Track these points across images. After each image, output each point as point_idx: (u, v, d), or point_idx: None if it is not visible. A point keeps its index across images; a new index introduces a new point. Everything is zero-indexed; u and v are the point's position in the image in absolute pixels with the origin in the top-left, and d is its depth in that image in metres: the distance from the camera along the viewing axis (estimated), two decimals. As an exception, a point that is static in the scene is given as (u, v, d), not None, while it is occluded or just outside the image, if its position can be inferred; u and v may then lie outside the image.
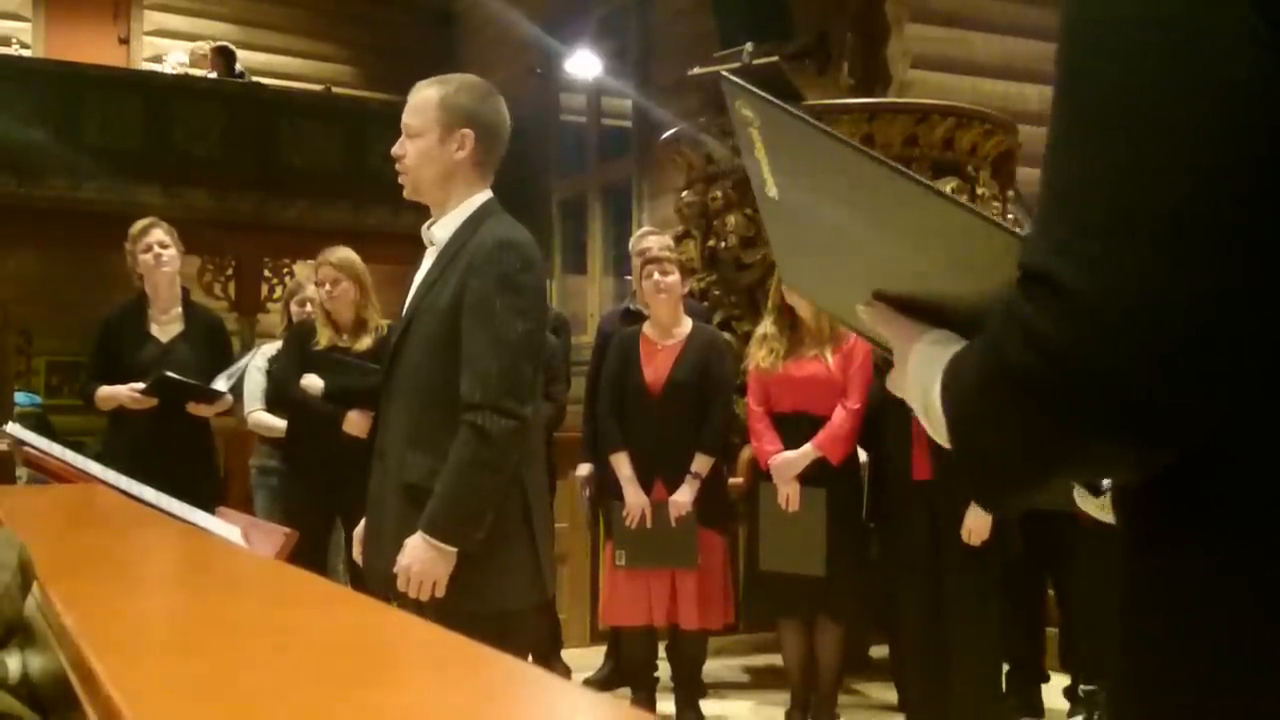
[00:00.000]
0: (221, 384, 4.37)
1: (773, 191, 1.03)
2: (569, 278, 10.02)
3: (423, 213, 2.62)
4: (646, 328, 4.36)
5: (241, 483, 5.22)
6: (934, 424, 0.89)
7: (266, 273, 9.49)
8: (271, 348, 4.96)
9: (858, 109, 5.40)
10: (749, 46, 5.52)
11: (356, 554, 2.72)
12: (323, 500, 4.36)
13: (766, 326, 4.18)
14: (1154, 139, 0.69)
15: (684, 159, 5.88)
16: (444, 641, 0.84)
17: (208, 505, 2.62)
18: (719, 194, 5.45)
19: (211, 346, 4.52)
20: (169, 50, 10.50)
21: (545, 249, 3.86)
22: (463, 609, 2.33)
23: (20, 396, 9.65)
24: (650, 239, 4.84)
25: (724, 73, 1.06)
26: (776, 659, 4.49)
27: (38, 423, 7.98)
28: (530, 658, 4.04)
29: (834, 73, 6.58)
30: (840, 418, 4.02)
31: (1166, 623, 0.78)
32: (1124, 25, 0.72)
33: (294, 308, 5.11)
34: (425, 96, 2.50)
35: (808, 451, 4.03)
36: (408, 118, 2.50)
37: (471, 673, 0.77)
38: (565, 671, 4.74)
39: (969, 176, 5.33)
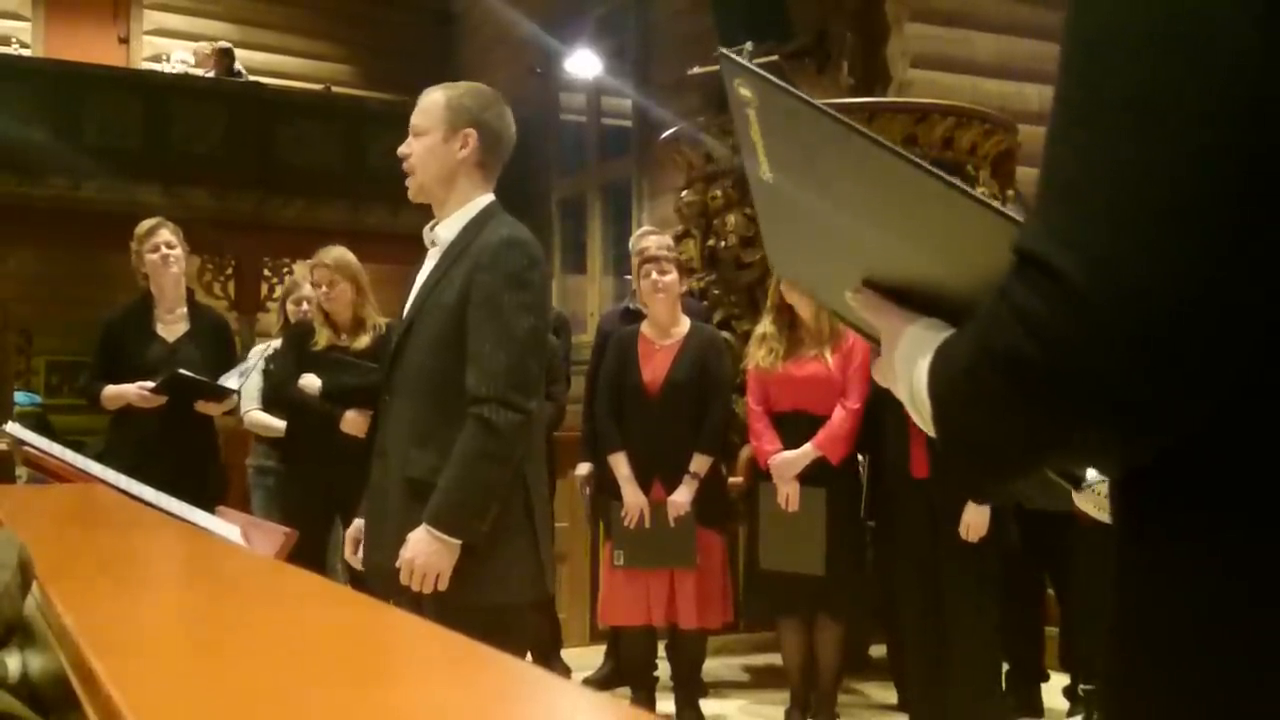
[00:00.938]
0: (233, 381, 4.37)
1: (766, 174, 1.02)
2: (569, 277, 10.01)
3: (422, 212, 2.64)
4: (645, 327, 4.36)
5: (238, 482, 5.21)
6: (919, 409, 0.88)
7: (266, 272, 9.51)
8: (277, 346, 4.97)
9: (857, 108, 5.39)
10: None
11: (348, 554, 2.72)
12: (320, 500, 4.35)
13: (766, 326, 4.18)
14: (1158, 131, 0.69)
15: (684, 158, 5.88)
16: (444, 641, 0.84)
17: (213, 503, 2.62)
18: (719, 193, 5.45)
19: (217, 346, 4.51)
20: (169, 50, 10.50)
21: (545, 248, 3.85)
22: (462, 602, 2.34)
23: (20, 396, 9.66)
24: (650, 238, 4.84)
25: (723, 51, 1.06)
26: (776, 658, 4.48)
27: (37, 422, 7.98)
28: (530, 657, 4.05)
29: (834, 72, 6.57)
30: (840, 417, 4.02)
31: (1155, 616, 0.78)
32: (1131, 17, 0.72)
33: (290, 307, 5.11)
34: (433, 99, 2.58)
35: (807, 451, 4.03)
36: (415, 118, 2.57)
37: (471, 672, 0.77)
38: (565, 671, 4.74)
39: (969, 176, 5.32)
